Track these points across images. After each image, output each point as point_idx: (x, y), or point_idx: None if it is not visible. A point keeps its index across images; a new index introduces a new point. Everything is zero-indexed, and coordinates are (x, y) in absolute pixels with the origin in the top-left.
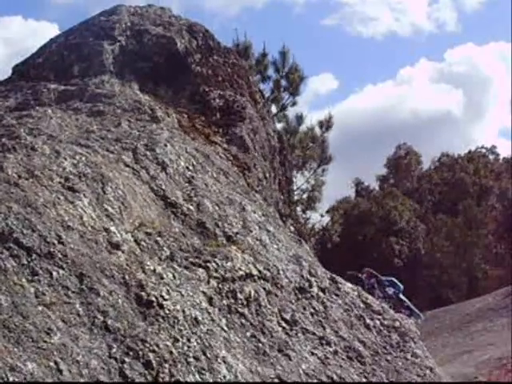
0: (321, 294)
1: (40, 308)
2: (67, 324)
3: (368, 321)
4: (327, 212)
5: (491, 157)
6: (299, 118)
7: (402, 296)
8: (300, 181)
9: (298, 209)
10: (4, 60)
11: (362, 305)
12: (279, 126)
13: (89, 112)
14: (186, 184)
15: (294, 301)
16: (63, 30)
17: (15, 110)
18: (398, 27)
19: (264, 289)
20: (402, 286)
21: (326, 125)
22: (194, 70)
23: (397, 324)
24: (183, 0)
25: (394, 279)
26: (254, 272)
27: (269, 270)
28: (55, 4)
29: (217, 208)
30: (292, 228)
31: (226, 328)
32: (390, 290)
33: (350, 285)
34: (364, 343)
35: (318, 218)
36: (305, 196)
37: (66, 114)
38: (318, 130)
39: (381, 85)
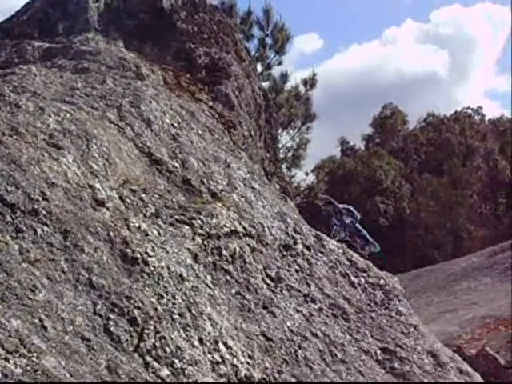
0: (306, 251)
1: (24, 265)
2: (52, 281)
3: (353, 278)
4: (312, 171)
5: (477, 118)
6: (284, 77)
7: (358, 225)
8: (285, 139)
9: (283, 167)
10: None
11: (346, 262)
12: (265, 84)
13: (73, 69)
14: (171, 141)
15: (278, 258)
16: None
17: None
18: None
19: (249, 246)
20: (359, 216)
21: (310, 83)
22: (180, 28)
23: (381, 282)
24: None
25: (351, 208)
26: (239, 229)
27: (254, 227)
28: None
29: (202, 165)
30: (277, 186)
31: (210, 285)
32: (348, 219)
33: (335, 242)
34: (349, 300)
35: (303, 177)
36: (290, 154)
37: (50, 72)
38: (302, 89)
39: (366, 45)
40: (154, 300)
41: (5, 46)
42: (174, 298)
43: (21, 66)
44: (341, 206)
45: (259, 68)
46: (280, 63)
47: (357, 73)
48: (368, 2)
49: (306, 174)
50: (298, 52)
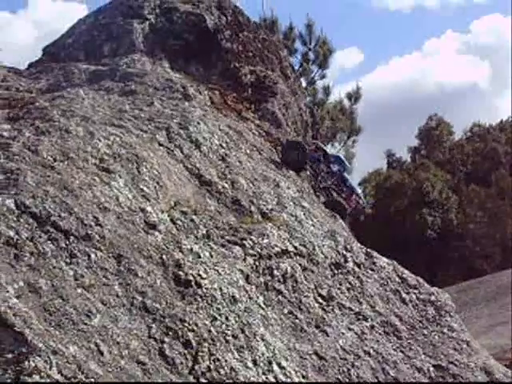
0: (356, 268)
1: (79, 290)
2: (106, 305)
3: (404, 295)
4: (359, 184)
5: None
6: (327, 90)
7: (345, 175)
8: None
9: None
10: (33, 42)
11: (397, 279)
12: (308, 99)
13: (121, 92)
14: (220, 162)
15: (330, 276)
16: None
17: (47, 91)
18: (424, 0)
19: (300, 265)
20: (348, 165)
21: (354, 96)
22: (225, 47)
23: (433, 298)
24: None
25: (341, 156)
26: (290, 248)
27: (305, 245)
28: None
29: (251, 185)
30: (322, 200)
31: (263, 305)
32: (335, 167)
33: (385, 259)
34: (400, 317)
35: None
36: None
37: (98, 95)
38: (346, 103)
39: (407, 57)
40: (207, 322)
41: (51, 69)
42: (227, 319)
43: (68, 89)
44: (329, 152)
45: (303, 83)
46: (323, 77)
47: (398, 85)
48: (409, 15)
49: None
50: (338, 67)
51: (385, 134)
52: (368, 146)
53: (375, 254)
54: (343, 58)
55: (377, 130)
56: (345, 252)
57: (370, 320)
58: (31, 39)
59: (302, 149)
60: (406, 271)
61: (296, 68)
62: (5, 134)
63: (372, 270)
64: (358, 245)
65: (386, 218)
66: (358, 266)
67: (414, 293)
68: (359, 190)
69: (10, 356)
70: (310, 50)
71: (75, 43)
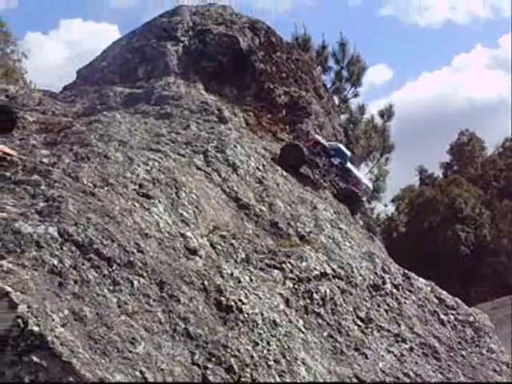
0: (394, 290)
1: (123, 318)
2: (150, 332)
3: (442, 316)
4: (392, 201)
5: None
6: (361, 109)
7: (349, 165)
8: (364, 171)
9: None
10: (64, 62)
11: (435, 300)
12: (342, 117)
13: (157, 115)
14: (257, 184)
15: (368, 298)
16: (123, 32)
17: (83, 115)
18: (453, 15)
19: (339, 287)
20: (349, 154)
21: (387, 114)
22: (258, 68)
23: (471, 319)
24: None
25: (340, 146)
26: (329, 271)
27: (343, 268)
28: (114, 6)
29: (289, 208)
30: (361, 222)
31: (303, 329)
32: (336, 160)
33: (422, 280)
34: (439, 339)
35: (382, 208)
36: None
37: (134, 118)
38: (379, 120)
39: (437, 72)
40: (249, 347)
41: (86, 92)
42: (268, 344)
43: (104, 112)
44: (328, 144)
45: (335, 100)
46: (356, 95)
47: (428, 101)
48: (438, 31)
49: (385, 205)
50: (368, 83)
51: (416, 150)
52: (399, 162)
53: (412, 275)
54: (372, 75)
55: (408, 146)
56: (382, 273)
57: (408, 342)
58: (62, 60)
59: (299, 150)
60: (444, 292)
61: (329, 86)
62: (44, 160)
63: (410, 291)
64: (396, 266)
65: (419, 235)
66: (396, 288)
67: (452, 314)
68: (365, 179)
69: None
70: (342, 68)
71: (109, 66)
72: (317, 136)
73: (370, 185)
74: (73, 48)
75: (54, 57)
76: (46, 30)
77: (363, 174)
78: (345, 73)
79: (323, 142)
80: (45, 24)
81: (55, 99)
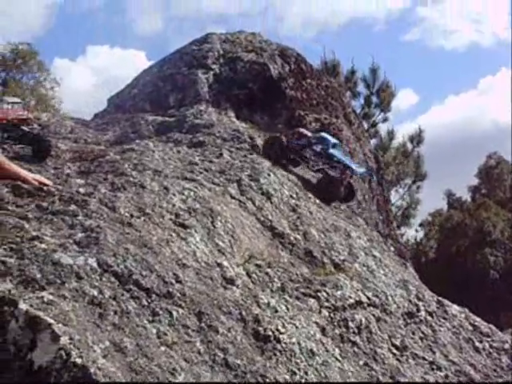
0: (429, 317)
1: (163, 348)
2: (189, 363)
3: (477, 343)
4: (420, 225)
5: None
6: (391, 134)
7: (331, 151)
8: (394, 197)
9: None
10: (91, 89)
11: (470, 327)
12: (372, 142)
13: (189, 143)
14: (291, 213)
15: (403, 326)
16: (150, 58)
17: (115, 143)
18: (479, 38)
19: (374, 316)
20: (332, 140)
21: (416, 139)
22: (289, 95)
23: (506, 346)
24: (257, 26)
25: (323, 135)
26: (364, 299)
27: (377, 296)
28: (141, 33)
29: (323, 236)
30: (392, 248)
31: (339, 358)
32: (318, 147)
33: (456, 307)
34: (474, 366)
35: (411, 233)
36: (399, 213)
37: (167, 147)
38: (409, 145)
39: (462, 95)
40: (287, 376)
41: (118, 120)
42: (306, 373)
43: (137, 141)
44: (312, 135)
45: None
46: (385, 120)
47: (454, 124)
48: (464, 54)
49: (416, 231)
50: (394, 107)
51: (443, 173)
52: (427, 186)
53: (446, 302)
54: (398, 100)
55: (435, 169)
56: (417, 301)
57: (443, 369)
58: (89, 86)
59: (280, 143)
60: (478, 319)
61: (358, 111)
62: (81, 189)
63: (444, 318)
64: (430, 293)
65: (448, 259)
66: (431, 315)
67: (487, 341)
68: (352, 163)
69: None
70: (372, 93)
71: (140, 94)
72: (301, 129)
73: (360, 170)
74: (100, 74)
75: (81, 83)
76: (74, 57)
77: (350, 158)
78: (374, 98)
79: (307, 133)
80: (72, 50)
81: (87, 127)
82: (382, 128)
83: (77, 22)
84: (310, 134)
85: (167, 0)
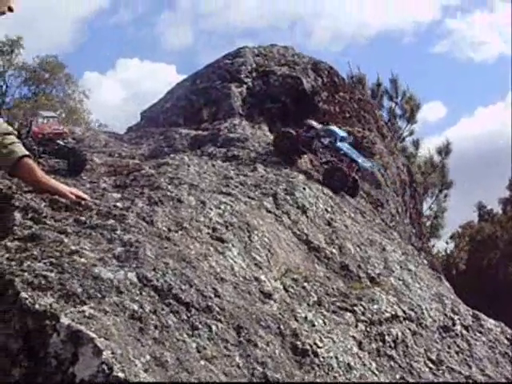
0: (464, 331)
1: (202, 362)
2: (229, 377)
3: None
4: (451, 238)
5: None
6: (416, 145)
7: (339, 144)
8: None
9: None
10: (121, 102)
11: (505, 341)
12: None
13: (224, 157)
14: (327, 226)
15: (438, 340)
16: (180, 72)
17: (150, 157)
18: (508, 49)
19: (409, 329)
20: (340, 134)
21: (444, 151)
22: (322, 108)
23: None
24: (286, 40)
25: (331, 127)
26: (399, 313)
27: (413, 310)
28: (170, 47)
29: (358, 250)
30: (425, 261)
31: (376, 372)
32: (326, 140)
33: (492, 321)
34: (511, 381)
35: (440, 245)
36: (428, 223)
37: (202, 161)
38: (436, 157)
39: (491, 107)
40: None
41: (151, 134)
42: None
43: (172, 155)
44: (320, 127)
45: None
46: (411, 133)
47: (483, 136)
48: (493, 66)
49: (447, 243)
50: (421, 121)
51: (473, 186)
52: (457, 198)
53: (482, 315)
54: (426, 112)
55: (465, 182)
56: (452, 315)
57: None
58: (119, 99)
59: (291, 136)
60: None
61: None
62: (118, 204)
63: (480, 332)
64: (465, 306)
65: (479, 271)
66: (466, 329)
67: None
68: (359, 157)
69: None
70: (396, 104)
71: (173, 107)
72: (309, 120)
73: (367, 164)
74: (130, 88)
75: (110, 96)
76: (104, 70)
77: (358, 153)
78: (399, 110)
79: (316, 125)
80: (102, 64)
81: (121, 141)
82: (409, 140)
83: (105, 36)
84: (318, 127)
85: (195, 14)
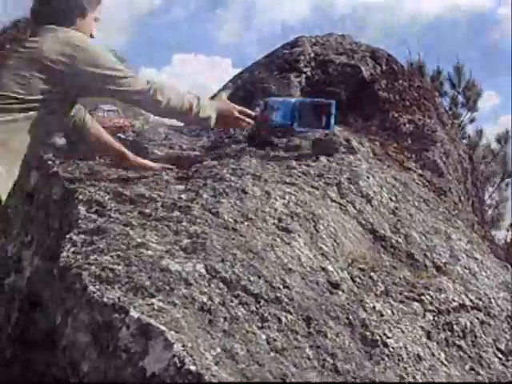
0: None
1: (273, 354)
2: (299, 369)
3: None
4: (511, 225)
5: None
6: (479, 133)
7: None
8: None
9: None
10: None
11: None
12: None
13: (285, 147)
14: (391, 215)
15: (506, 330)
16: (236, 65)
17: (210, 148)
18: None
19: (477, 319)
20: (292, 101)
21: (503, 139)
22: (381, 97)
23: None
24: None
25: (286, 99)
26: (467, 302)
27: (480, 299)
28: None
29: (424, 238)
30: (488, 250)
31: (445, 362)
32: (275, 114)
33: None
34: None
35: (501, 234)
36: (489, 213)
37: (263, 151)
38: (495, 146)
39: None
40: (396, 381)
41: None
42: (414, 378)
43: (233, 146)
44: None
45: None
46: (472, 121)
47: None
48: None
49: (507, 230)
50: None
51: None
52: None
53: None
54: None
55: None
56: None
57: None
58: None
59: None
60: None
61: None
62: (183, 196)
63: None
64: None
65: None
66: None
67: None
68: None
69: None
70: (458, 93)
71: (232, 98)
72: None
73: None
74: (186, 81)
75: None
76: (160, 66)
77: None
78: (461, 98)
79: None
80: (159, 60)
81: (181, 133)
82: (470, 128)
83: (160, 32)
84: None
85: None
